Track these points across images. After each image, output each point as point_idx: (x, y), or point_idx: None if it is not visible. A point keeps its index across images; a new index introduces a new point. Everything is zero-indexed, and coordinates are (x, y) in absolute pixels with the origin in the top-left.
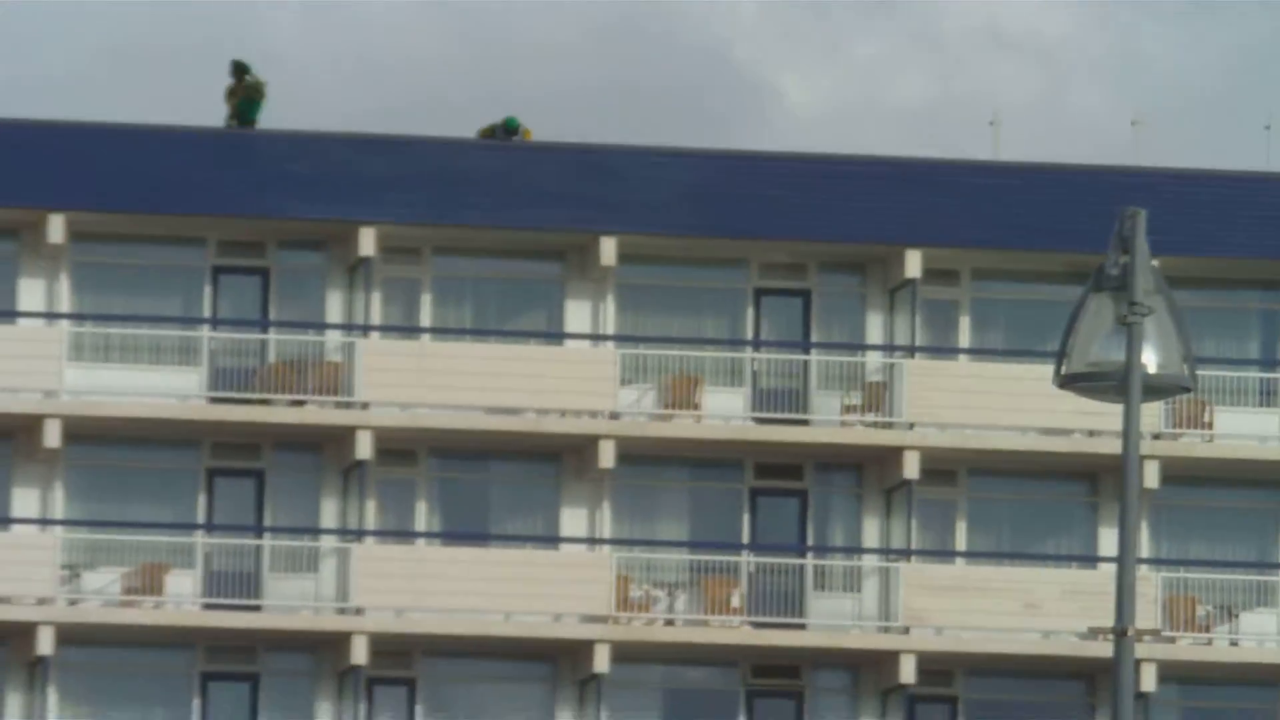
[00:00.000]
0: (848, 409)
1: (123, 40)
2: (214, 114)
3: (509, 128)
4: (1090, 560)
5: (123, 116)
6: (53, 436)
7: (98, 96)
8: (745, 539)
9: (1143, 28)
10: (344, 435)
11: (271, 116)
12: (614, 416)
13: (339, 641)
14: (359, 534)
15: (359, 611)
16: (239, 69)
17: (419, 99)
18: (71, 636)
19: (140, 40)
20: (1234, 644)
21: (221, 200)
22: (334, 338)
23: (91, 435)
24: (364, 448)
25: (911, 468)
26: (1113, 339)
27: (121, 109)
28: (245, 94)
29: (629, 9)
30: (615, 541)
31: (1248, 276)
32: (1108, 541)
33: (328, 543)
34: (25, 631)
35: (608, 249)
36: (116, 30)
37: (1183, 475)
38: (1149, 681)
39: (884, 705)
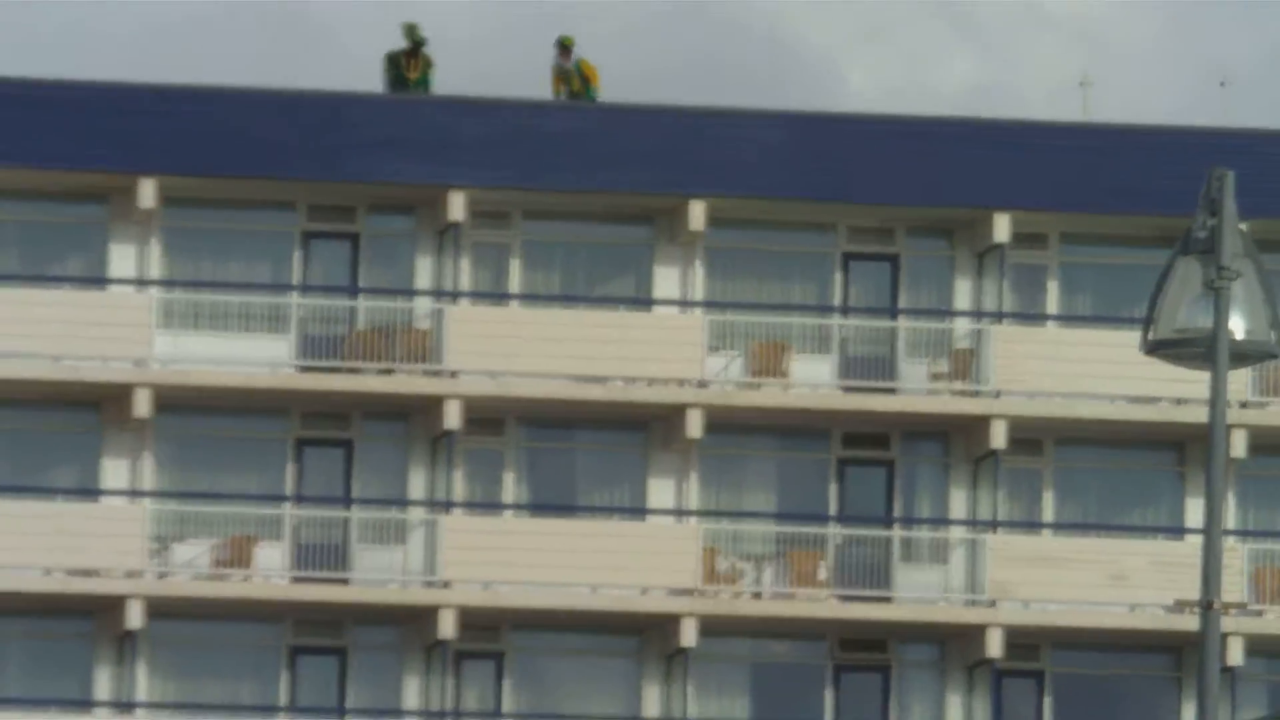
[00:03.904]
0: (935, 376)
1: (214, 2)
2: (306, 77)
3: (413, 37)
4: (1177, 532)
5: (214, 79)
6: (142, 406)
7: (189, 59)
8: (832, 510)
9: None
10: (432, 405)
11: (359, 80)
12: (702, 385)
13: (427, 615)
14: (447, 506)
15: (446, 585)
16: (413, 35)
17: (498, 71)
18: (161, 610)
19: (232, 2)
20: None
21: (312, 165)
22: (423, 304)
23: (181, 405)
24: (452, 417)
25: (999, 437)
26: (1200, 304)
27: (213, 71)
28: (424, 67)
29: None
30: (702, 513)
31: None
32: (1195, 512)
33: (415, 515)
34: (114, 605)
35: (696, 213)
36: None
37: (1271, 444)
38: (1236, 655)
39: (971, 679)
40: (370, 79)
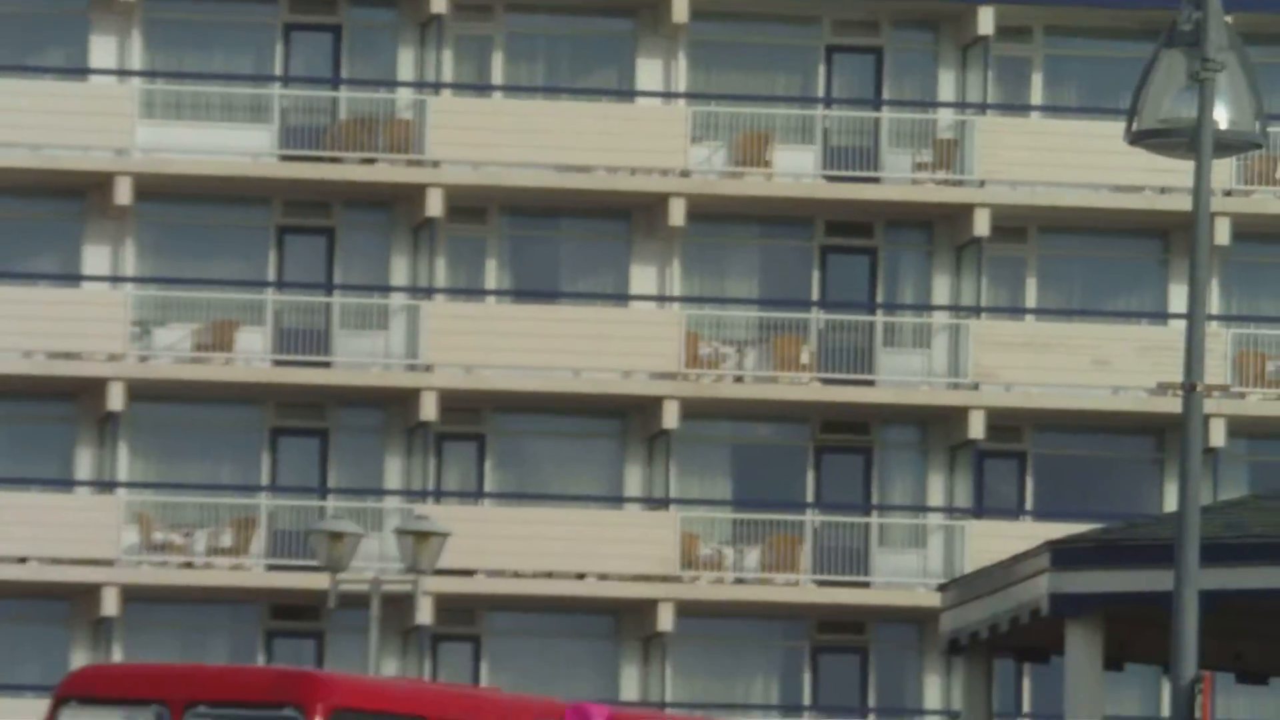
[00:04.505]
0: (919, 166)
1: None
2: None
3: None
4: (1160, 317)
5: None
6: (124, 194)
7: None
8: (815, 296)
9: None
10: (414, 193)
11: None
12: (684, 174)
13: (408, 398)
14: (429, 292)
15: (429, 368)
16: None
17: None
18: (142, 392)
19: None
20: None
21: None
22: (405, 95)
23: (162, 192)
24: (434, 205)
25: (982, 225)
26: (1184, 95)
27: None
28: None
29: None
30: (685, 299)
31: None
32: (1178, 298)
33: (397, 300)
34: (96, 387)
35: (679, 5)
36: None
37: (1253, 232)
38: (1218, 437)
39: (953, 461)
40: None
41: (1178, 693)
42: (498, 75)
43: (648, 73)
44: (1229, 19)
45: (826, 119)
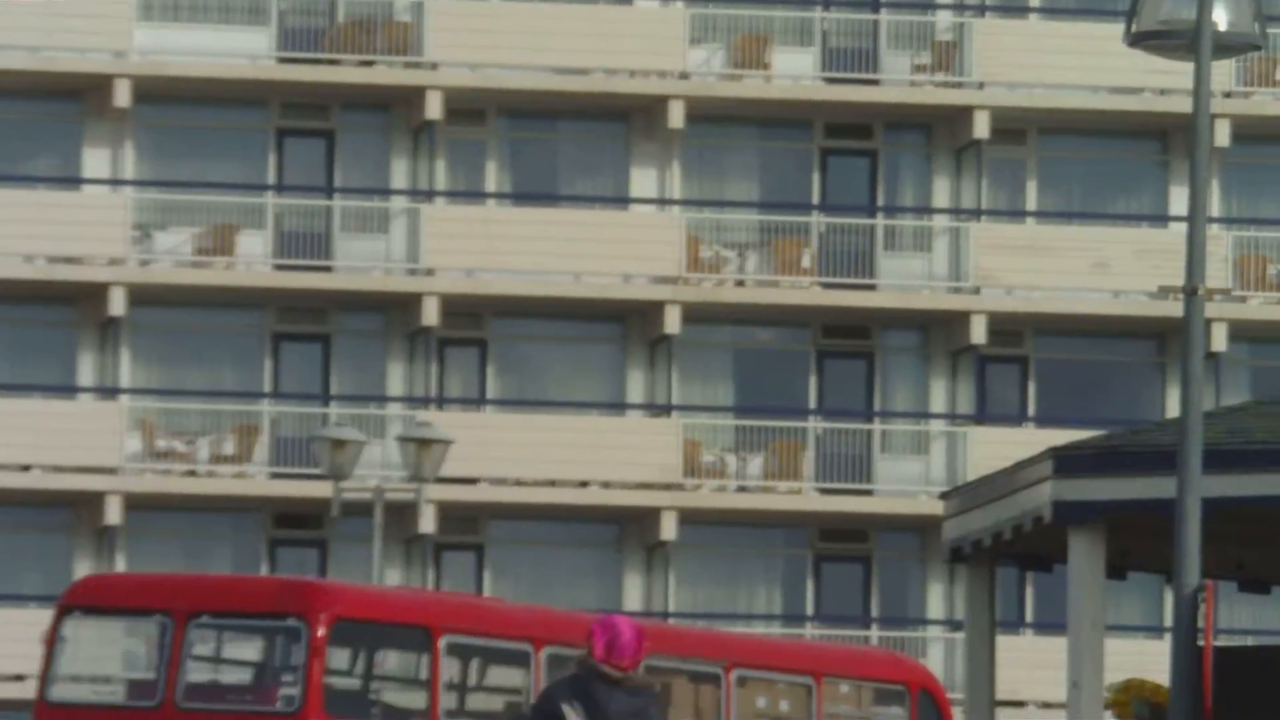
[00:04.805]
0: (917, 69)
1: None
2: None
3: None
4: (1161, 220)
5: None
6: (123, 96)
7: None
8: (815, 199)
9: None
10: (413, 95)
11: None
12: (683, 76)
13: (410, 303)
14: (429, 195)
15: (429, 272)
16: None
17: None
18: (143, 297)
19: None
20: None
21: None
22: None
23: (161, 95)
24: (433, 108)
25: (982, 127)
26: None
27: None
28: None
29: None
30: (685, 202)
31: None
32: (1178, 201)
33: (398, 204)
34: (97, 293)
35: None
36: None
37: (1254, 133)
38: (1219, 341)
39: (954, 365)
40: None
41: (1180, 601)
42: None
43: None
44: None
45: (825, 21)
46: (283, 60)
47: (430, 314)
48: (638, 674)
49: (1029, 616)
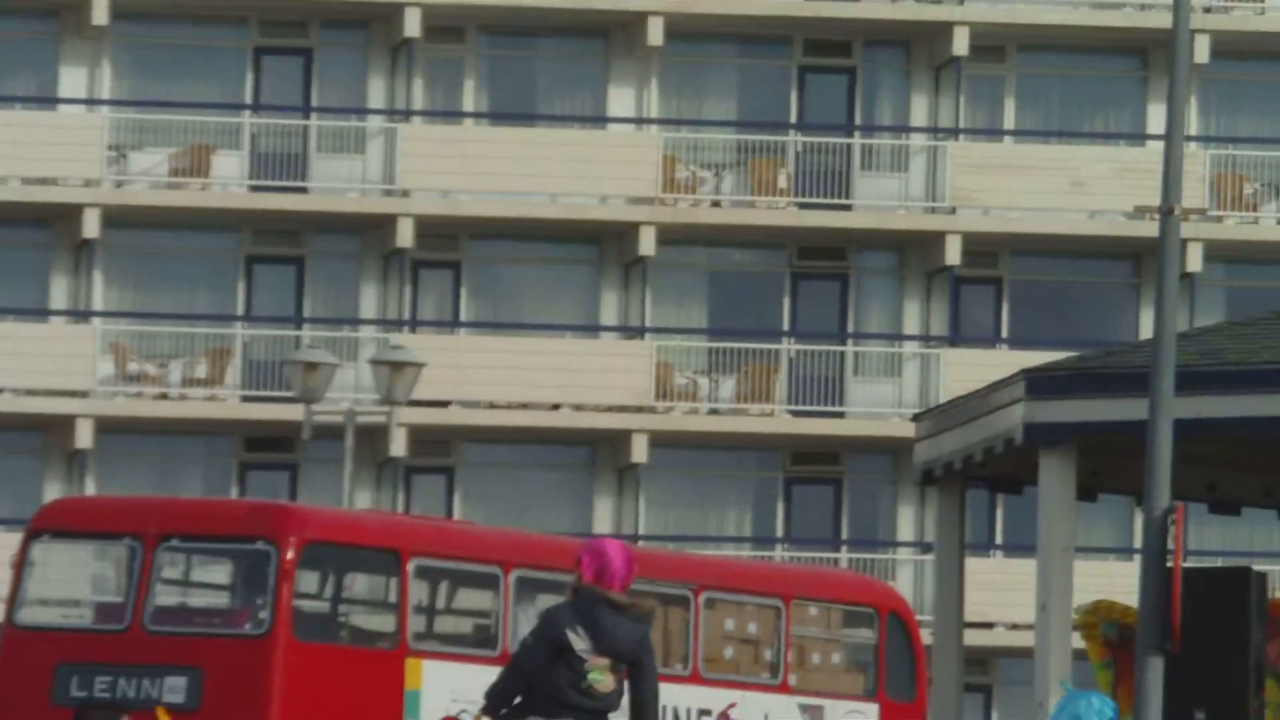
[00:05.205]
0: None
1: None
2: None
3: None
4: (1139, 138)
5: None
6: (100, 13)
7: None
8: (793, 118)
9: None
10: (391, 12)
11: None
12: None
13: (384, 224)
14: (406, 114)
15: (405, 194)
16: None
17: None
18: (117, 219)
19: None
20: None
21: None
22: None
23: (138, 12)
24: (412, 25)
25: (961, 44)
26: None
27: None
28: None
29: None
30: (663, 121)
31: None
32: (1157, 118)
33: (374, 124)
34: (71, 214)
35: None
36: None
37: (1234, 49)
38: (1195, 261)
39: (929, 287)
40: None
41: (1151, 523)
42: None
43: None
44: None
45: None
46: None
47: (405, 236)
48: (640, 599)
49: (999, 539)
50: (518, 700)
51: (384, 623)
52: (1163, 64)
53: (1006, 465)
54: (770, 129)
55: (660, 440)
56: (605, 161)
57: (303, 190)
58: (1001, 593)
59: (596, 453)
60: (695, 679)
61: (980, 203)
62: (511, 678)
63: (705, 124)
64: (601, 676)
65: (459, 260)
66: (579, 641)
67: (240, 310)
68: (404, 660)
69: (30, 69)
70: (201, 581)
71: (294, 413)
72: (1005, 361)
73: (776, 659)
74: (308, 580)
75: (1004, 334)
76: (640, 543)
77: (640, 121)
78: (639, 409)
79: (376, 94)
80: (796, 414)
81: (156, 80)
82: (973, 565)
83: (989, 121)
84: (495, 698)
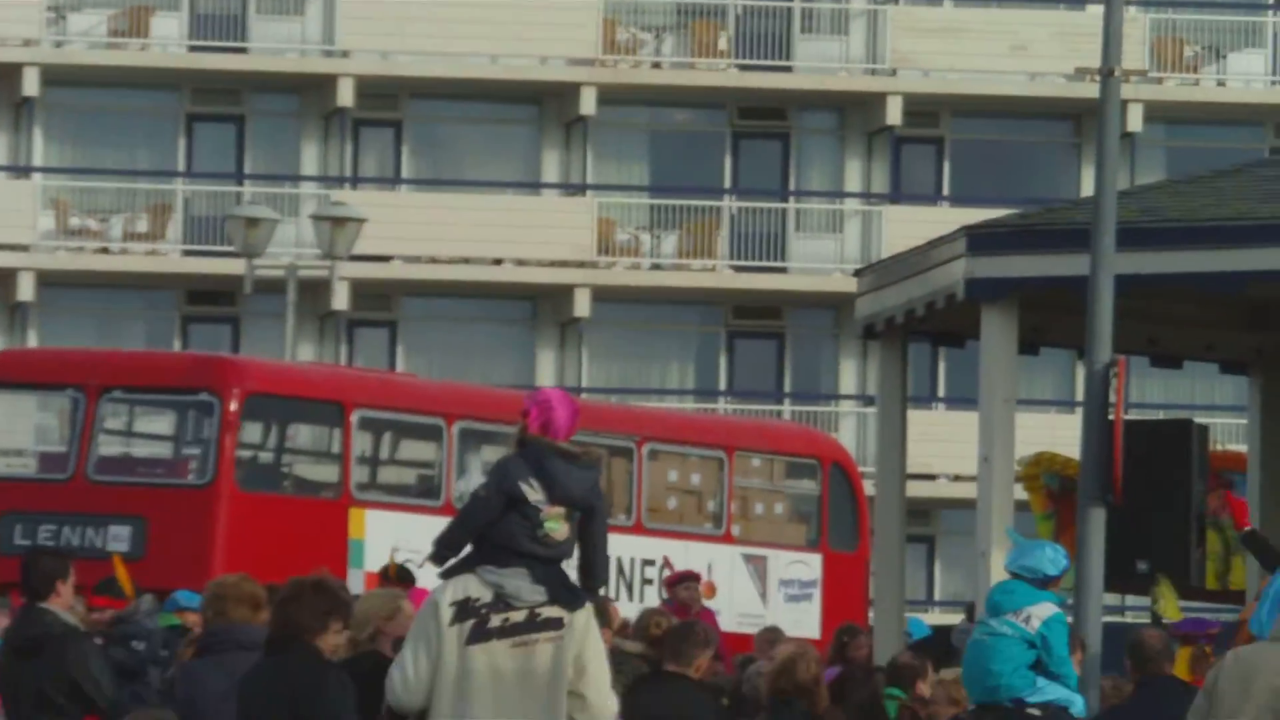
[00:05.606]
0: None
1: None
2: None
3: None
4: (1079, 1)
5: None
6: None
7: None
8: None
9: None
10: None
11: None
12: None
13: (325, 84)
14: None
15: (345, 54)
16: None
17: None
18: (57, 77)
19: None
20: (1221, 84)
21: None
22: None
23: None
24: None
25: None
26: None
27: None
28: None
29: None
30: None
31: None
32: None
33: None
34: (11, 73)
35: None
36: None
37: None
38: (1135, 121)
39: (870, 146)
40: None
41: (1092, 376)
42: None
43: None
44: None
45: None
46: None
47: (345, 95)
48: (588, 447)
49: (941, 391)
50: (466, 550)
51: (328, 473)
52: None
53: (948, 320)
54: None
55: (602, 295)
56: (545, 24)
57: (243, 50)
58: (944, 444)
59: (539, 307)
60: (639, 529)
61: (921, 65)
62: (463, 529)
63: None
64: (557, 525)
65: (400, 119)
66: (533, 493)
67: (181, 167)
68: (347, 510)
69: None
70: (145, 432)
71: (236, 267)
72: (946, 219)
73: (720, 510)
74: (251, 431)
75: (945, 192)
76: (583, 395)
77: None
78: (581, 264)
79: None
80: (739, 269)
81: None
82: (915, 417)
83: None
84: (444, 548)
